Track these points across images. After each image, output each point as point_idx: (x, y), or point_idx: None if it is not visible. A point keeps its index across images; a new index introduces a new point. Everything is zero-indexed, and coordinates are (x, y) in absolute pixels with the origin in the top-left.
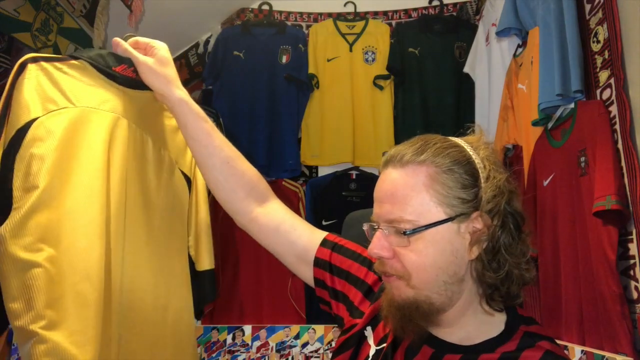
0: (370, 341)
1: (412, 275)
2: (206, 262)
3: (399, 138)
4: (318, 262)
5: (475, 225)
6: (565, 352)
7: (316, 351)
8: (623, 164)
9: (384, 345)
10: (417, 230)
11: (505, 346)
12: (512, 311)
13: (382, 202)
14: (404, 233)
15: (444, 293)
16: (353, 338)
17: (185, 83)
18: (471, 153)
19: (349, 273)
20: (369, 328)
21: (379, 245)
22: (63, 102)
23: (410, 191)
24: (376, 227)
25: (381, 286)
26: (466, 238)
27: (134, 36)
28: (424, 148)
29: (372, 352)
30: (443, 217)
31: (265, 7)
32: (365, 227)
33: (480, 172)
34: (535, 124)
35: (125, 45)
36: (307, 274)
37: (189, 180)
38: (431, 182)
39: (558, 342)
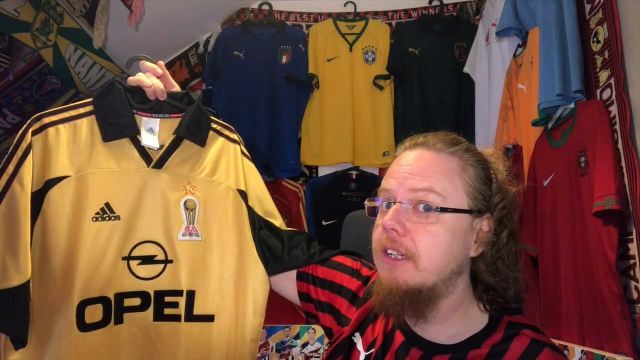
0: (360, 347)
1: (422, 256)
2: None
3: (399, 138)
4: (301, 276)
5: (482, 225)
6: (565, 352)
7: (316, 351)
8: (623, 164)
9: (373, 350)
10: (446, 209)
11: (491, 338)
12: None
13: (410, 173)
14: (435, 209)
15: (448, 282)
16: (341, 345)
17: (185, 83)
18: (488, 161)
19: (332, 282)
20: (357, 334)
21: (395, 218)
22: None
23: (445, 172)
24: (392, 202)
25: (368, 288)
26: (473, 235)
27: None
28: (456, 142)
29: (361, 357)
30: (466, 206)
31: (265, 7)
32: (369, 202)
33: (493, 179)
34: (535, 124)
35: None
36: (290, 289)
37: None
38: (462, 172)
39: (558, 342)
